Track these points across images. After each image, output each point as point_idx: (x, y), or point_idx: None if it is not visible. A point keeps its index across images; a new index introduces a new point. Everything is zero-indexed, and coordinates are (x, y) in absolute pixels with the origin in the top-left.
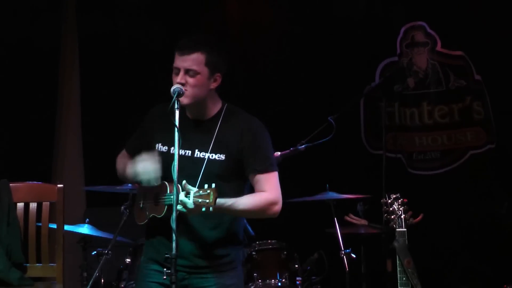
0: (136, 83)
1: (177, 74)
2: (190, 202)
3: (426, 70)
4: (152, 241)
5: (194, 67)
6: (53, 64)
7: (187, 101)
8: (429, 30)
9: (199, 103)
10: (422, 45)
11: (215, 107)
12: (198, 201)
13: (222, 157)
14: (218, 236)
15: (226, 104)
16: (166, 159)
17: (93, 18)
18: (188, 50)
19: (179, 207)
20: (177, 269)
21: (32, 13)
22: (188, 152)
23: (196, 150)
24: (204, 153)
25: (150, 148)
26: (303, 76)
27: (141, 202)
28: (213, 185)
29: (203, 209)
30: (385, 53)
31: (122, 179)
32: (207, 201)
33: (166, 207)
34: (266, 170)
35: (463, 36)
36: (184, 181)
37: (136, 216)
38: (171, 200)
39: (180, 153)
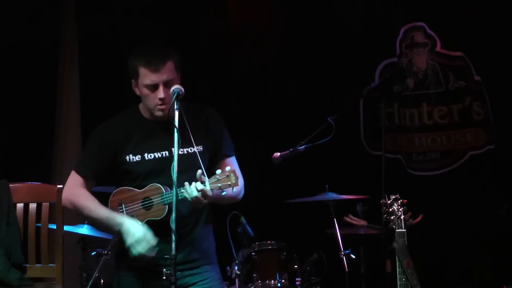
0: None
1: (153, 89)
2: (208, 189)
3: (425, 71)
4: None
5: (171, 76)
6: (53, 64)
7: (168, 113)
8: (428, 31)
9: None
10: (422, 45)
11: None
12: (218, 186)
13: (200, 148)
14: (201, 229)
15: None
16: (141, 167)
17: (93, 18)
18: (160, 62)
19: (195, 195)
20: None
21: (32, 13)
22: (165, 153)
23: (172, 149)
24: (182, 149)
25: (113, 162)
26: (302, 76)
27: (123, 211)
28: (228, 168)
29: (224, 192)
30: (385, 54)
31: (74, 212)
32: (229, 183)
33: (166, 207)
34: (232, 154)
35: (463, 37)
36: (199, 171)
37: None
38: (170, 199)
39: (157, 156)
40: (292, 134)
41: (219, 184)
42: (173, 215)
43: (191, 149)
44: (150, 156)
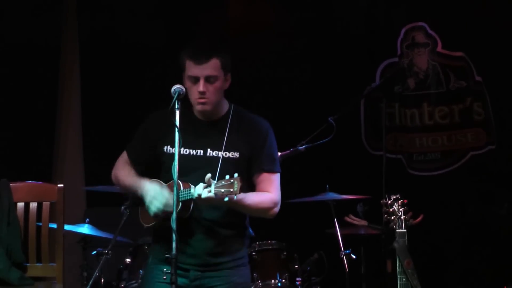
0: (136, 83)
1: (195, 82)
2: (211, 193)
3: (426, 71)
4: (161, 241)
5: (215, 73)
6: (54, 63)
7: (210, 108)
8: (429, 31)
9: (213, 107)
10: (423, 46)
11: (224, 107)
12: (221, 191)
13: (236, 155)
14: (231, 232)
15: (233, 105)
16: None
17: (94, 18)
18: (205, 57)
19: (199, 193)
20: (189, 268)
21: (33, 12)
22: (200, 152)
23: (209, 149)
24: (217, 152)
25: (155, 152)
26: (303, 76)
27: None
28: (236, 175)
29: (226, 198)
30: (386, 54)
31: (117, 185)
32: (231, 190)
33: (181, 203)
34: (272, 170)
35: (464, 37)
36: (209, 175)
37: (141, 218)
38: (186, 196)
39: (192, 153)
40: (293, 134)
41: (222, 190)
42: (174, 214)
43: (226, 154)
44: (186, 151)
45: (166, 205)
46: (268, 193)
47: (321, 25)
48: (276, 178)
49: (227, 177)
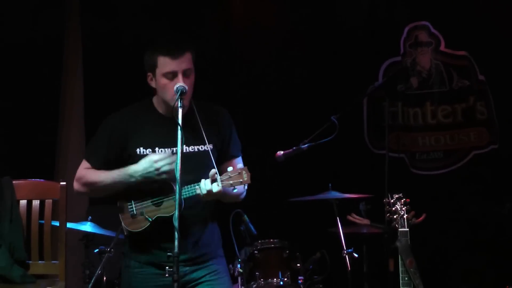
0: (139, 81)
1: (172, 78)
2: (220, 187)
3: (429, 70)
4: (146, 244)
5: (190, 66)
6: (56, 61)
7: (187, 104)
8: (432, 30)
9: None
10: (426, 45)
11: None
12: (229, 183)
13: (211, 147)
14: (210, 224)
15: (192, 99)
16: None
17: (97, 16)
18: (180, 51)
19: (214, 187)
20: (179, 266)
21: (36, 10)
22: (175, 149)
23: (184, 146)
24: (193, 147)
25: (122, 155)
26: (306, 75)
27: (132, 207)
28: (241, 165)
29: (235, 190)
30: (389, 53)
31: (87, 192)
32: (241, 180)
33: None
34: (239, 154)
35: (467, 36)
36: (214, 170)
37: (127, 224)
38: (184, 194)
39: (167, 151)
40: (296, 132)
41: (231, 182)
42: (176, 213)
43: (201, 147)
44: (161, 150)
45: (161, 171)
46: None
47: (324, 24)
48: (241, 161)
49: (230, 169)
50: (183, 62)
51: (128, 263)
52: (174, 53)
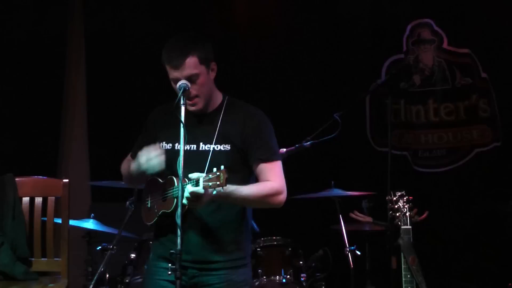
0: (141, 79)
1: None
2: (200, 188)
3: (432, 68)
4: (160, 238)
5: (194, 71)
6: (59, 59)
7: (201, 105)
8: (435, 28)
9: (207, 101)
10: (429, 42)
11: (216, 100)
12: (208, 184)
13: (228, 147)
14: (228, 230)
15: (227, 97)
16: (171, 156)
17: (100, 14)
18: (180, 59)
19: (187, 196)
20: (187, 265)
21: (39, 8)
22: (193, 146)
23: (201, 143)
24: (209, 145)
25: None
26: (309, 72)
27: (148, 200)
28: (222, 167)
29: (214, 192)
30: (391, 50)
31: (128, 182)
32: (218, 182)
33: (175, 200)
34: (269, 159)
35: (470, 34)
36: (198, 173)
37: (144, 216)
38: (176, 192)
39: (185, 148)
40: (298, 130)
41: (210, 183)
42: (179, 210)
43: (217, 147)
44: (179, 147)
45: (157, 163)
46: (267, 181)
47: (326, 21)
48: (275, 166)
49: (214, 169)
50: (184, 70)
51: (151, 253)
52: (174, 63)
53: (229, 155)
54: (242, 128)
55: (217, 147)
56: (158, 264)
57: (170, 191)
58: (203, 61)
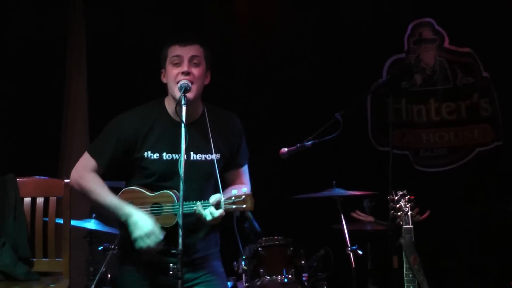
0: (143, 79)
1: (178, 64)
2: (222, 210)
3: (433, 67)
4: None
5: (198, 54)
6: (60, 59)
7: (192, 96)
8: (436, 27)
9: (193, 103)
10: (430, 41)
11: (200, 107)
12: (232, 208)
13: (218, 156)
14: (211, 235)
15: (205, 104)
16: (157, 166)
17: (101, 14)
18: (190, 40)
19: (210, 217)
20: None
21: (40, 8)
22: (184, 156)
23: (192, 153)
24: (201, 155)
25: (129, 158)
26: (310, 72)
27: None
28: (245, 190)
29: (238, 214)
30: (393, 50)
31: (81, 193)
32: (244, 206)
33: (176, 217)
34: (245, 163)
35: (471, 33)
36: (219, 196)
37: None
38: (187, 210)
39: (174, 157)
40: (299, 129)
41: (234, 206)
42: (180, 209)
43: (209, 156)
44: (168, 156)
45: (156, 244)
46: (244, 185)
47: (327, 21)
48: (247, 169)
49: (234, 192)
50: (191, 50)
51: (123, 261)
52: (182, 41)
53: (219, 164)
54: (228, 137)
55: (208, 157)
56: (139, 270)
57: (168, 207)
58: (206, 58)
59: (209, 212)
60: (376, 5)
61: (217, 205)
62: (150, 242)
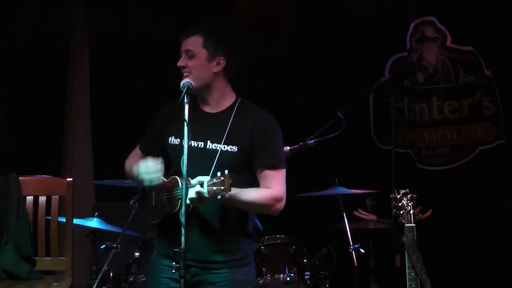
0: (145, 78)
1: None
2: (205, 191)
3: (435, 66)
4: (164, 237)
5: (191, 48)
6: (63, 59)
7: (196, 84)
8: (439, 25)
9: (208, 91)
10: (432, 40)
11: (228, 99)
12: (212, 189)
13: (235, 149)
14: (230, 230)
15: (240, 98)
16: (178, 152)
17: (103, 13)
18: (186, 34)
19: (192, 197)
20: (189, 264)
21: (42, 7)
22: (200, 144)
23: (208, 142)
24: (216, 145)
25: (162, 143)
26: (312, 70)
27: (153, 199)
28: (226, 172)
29: (219, 196)
30: (395, 48)
31: (129, 178)
32: (222, 188)
33: (179, 201)
34: (274, 166)
35: (473, 31)
36: (205, 177)
37: (149, 215)
38: (180, 194)
39: (192, 144)
40: (302, 128)
41: (214, 188)
42: (183, 208)
43: (224, 147)
44: (189, 143)
45: (156, 179)
46: (268, 188)
47: (330, 19)
48: (279, 174)
49: (219, 174)
50: (186, 44)
51: (154, 251)
52: (182, 37)
53: (236, 157)
54: (252, 131)
55: (224, 147)
56: (161, 261)
57: (174, 192)
58: (208, 47)
59: (193, 190)
60: (378, 4)
61: (200, 186)
62: (150, 176)
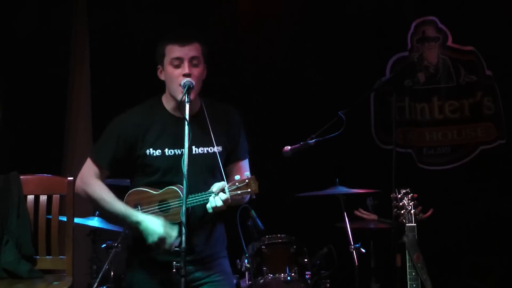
0: (146, 77)
1: (179, 65)
2: (228, 196)
3: (436, 65)
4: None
5: (197, 55)
6: (64, 57)
7: (194, 95)
8: (440, 25)
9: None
10: (433, 40)
11: (198, 102)
12: (237, 193)
13: (220, 149)
14: (217, 226)
15: (201, 98)
16: (161, 163)
17: (104, 12)
18: (189, 39)
19: (216, 205)
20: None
21: (43, 5)
22: (183, 151)
23: (193, 147)
24: (202, 148)
25: (130, 156)
26: (313, 70)
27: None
28: (247, 174)
29: (246, 198)
30: (396, 48)
31: (86, 199)
32: (249, 190)
33: (189, 209)
34: (246, 157)
35: (474, 31)
36: (224, 183)
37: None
38: (194, 202)
39: (176, 153)
40: (303, 127)
41: (239, 192)
42: (183, 208)
43: (211, 149)
44: (171, 152)
45: (172, 246)
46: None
47: (331, 19)
48: (248, 163)
49: (237, 177)
50: (191, 50)
51: (131, 264)
52: (181, 40)
53: (221, 156)
54: (228, 128)
55: (210, 150)
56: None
57: (174, 202)
58: (204, 54)
59: (214, 199)
60: (379, 4)
61: (221, 190)
62: (165, 245)
